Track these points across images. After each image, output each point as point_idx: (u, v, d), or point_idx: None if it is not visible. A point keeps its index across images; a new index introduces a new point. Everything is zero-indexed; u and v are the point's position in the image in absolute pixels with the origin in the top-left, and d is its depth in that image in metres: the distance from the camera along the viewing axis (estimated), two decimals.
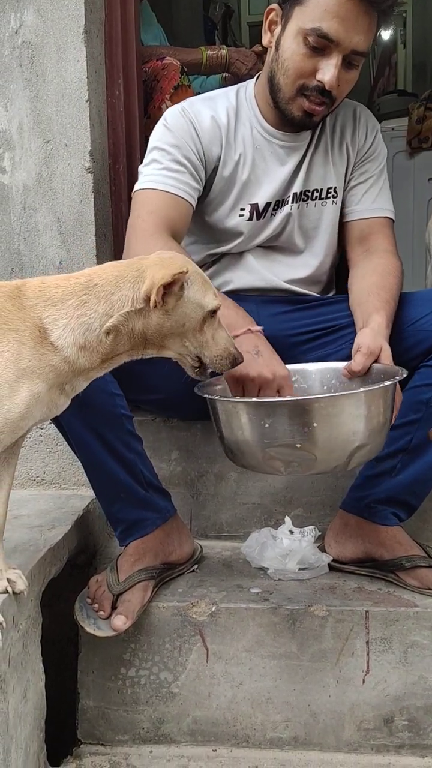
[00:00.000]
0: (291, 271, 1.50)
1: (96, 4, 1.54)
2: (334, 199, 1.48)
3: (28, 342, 0.96)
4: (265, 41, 1.37)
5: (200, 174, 1.40)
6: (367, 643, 1.25)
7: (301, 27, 1.27)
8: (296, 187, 1.45)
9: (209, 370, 1.08)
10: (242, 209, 1.44)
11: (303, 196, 1.46)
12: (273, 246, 1.49)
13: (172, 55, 1.98)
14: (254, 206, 1.44)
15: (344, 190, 1.50)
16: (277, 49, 1.33)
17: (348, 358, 1.26)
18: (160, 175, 1.36)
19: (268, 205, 1.44)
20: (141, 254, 1.07)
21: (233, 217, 1.44)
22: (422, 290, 1.57)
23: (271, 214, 1.45)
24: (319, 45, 1.27)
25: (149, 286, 0.97)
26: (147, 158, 1.40)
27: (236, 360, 1.06)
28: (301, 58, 1.29)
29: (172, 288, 0.97)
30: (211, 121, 1.40)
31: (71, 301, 0.97)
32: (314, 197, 1.47)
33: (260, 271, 1.49)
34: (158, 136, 1.40)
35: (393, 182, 2.92)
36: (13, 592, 1.08)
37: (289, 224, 1.47)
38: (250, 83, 1.48)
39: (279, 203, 1.45)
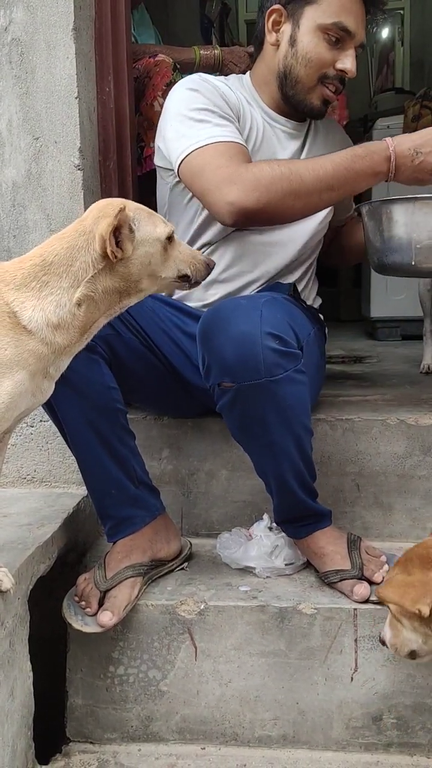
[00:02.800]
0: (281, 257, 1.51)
1: (86, 1, 1.53)
2: None
3: (1, 330, 0.94)
4: (271, 40, 1.47)
5: (239, 128, 1.43)
6: (356, 640, 1.25)
7: (320, 23, 1.41)
8: None
9: (192, 280, 1.09)
10: None
11: None
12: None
13: (165, 53, 1.98)
14: None
15: None
16: (292, 45, 1.44)
17: None
18: (216, 130, 1.37)
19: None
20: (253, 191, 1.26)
21: None
22: None
23: None
24: (339, 37, 1.41)
25: (100, 241, 0.95)
26: (185, 123, 1.38)
27: (209, 265, 1.09)
28: (323, 50, 1.43)
29: (121, 233, 0.96)
30: (228, 90, 1.45)
31: (33, 284, 0.96)
32: None
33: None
34: (188, 100, 1.40)
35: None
36: (1, 591, 1.08)
37: None
38: (245, 76, 1.56)
39: None
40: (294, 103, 1.50)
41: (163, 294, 1.52)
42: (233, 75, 1.59)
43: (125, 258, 0.98)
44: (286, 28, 1.45)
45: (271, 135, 1.51)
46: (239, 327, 1.18)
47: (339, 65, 1.43)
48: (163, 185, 1.52)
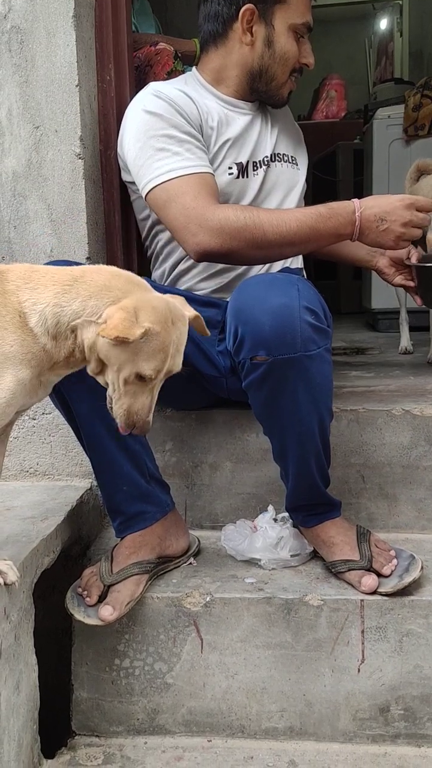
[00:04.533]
0: None
1: None
2: (298, 168, 1.61)
3: (9, 326, 0.94)
4: (246, 40, 1.49)
5: (202, 142, 1.45)
6: (362, 632, 1.25)
7: (291, 23, 1.47)
8: (268, 150, 1.55)
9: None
10: (230, 168, 1.49)
11: (275, 158, 1.55)
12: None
13: (166, 42, 1.96)
14: (239, 165, 1.50)
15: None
16: (269, 46, 1.49)
17: None
18: (177, 161, 1.37)
19: (248, 163, 1.51)
20: (212, 238, 1.31)
21: (223, 175, 1.48)
22: None
23: (253, 173, 1.52)
24: (302, 34, 1.50)
25: (106, 315, 0.94)
26: (145, 152, 1.39)
27: (140, 428, 1.01)
28: (295, 48, 1.50)
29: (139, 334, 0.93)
30: (183, 96, 1.45)
31: (54, 288, 0.96)
32: (285, 160, 1.57)
33: None
34: (147, 125, 1.40)
35: (390, 170, 2.93)
36: (4, 584, 1.07)
37: (267, 184, 1.53)
38: (190, 73, 1.58)
39: (257, 163, 1.53)
40: (264, 97, 1.55)
41: (165, 285, 1.52)
42: (177, 78, 1.63)
43: (108, 342, 0.94)
44: (260, 29, 1.48)
45: (233, 120, 1.52)
46: (278, 299, 1.17)
47: (303, 60, 1.52)
48: (137, 197, 1.51)
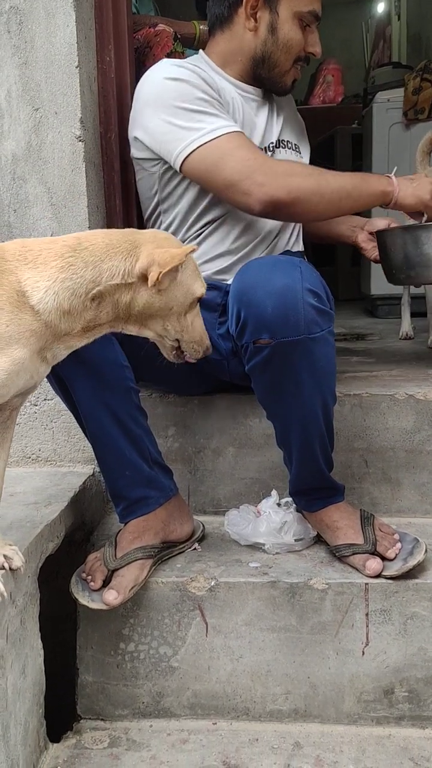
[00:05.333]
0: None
1: None
2: (301, 156, 1.62)
3: (5, 306, 0.92)
4: (249, 26, 1.48)
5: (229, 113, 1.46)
6: (367, 615, 1.25)
7: (297, 11, 1.46)
8: (274, 136, 1.55)
9: (185, 356, 1.09)
10: None
11: (280, 144, 1.55)
12: None
13: (166, 24, 1.93)
14: None
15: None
16: (272, 33, 1.48)
17: None
18: (218, 120, 1.38)
19: (260, 149, 1.49)
20: (271, 181, 1.31)
21: None
22: None
23: None
24: (309, 22, 1.49)
25: (147, 263, 0.95)
26: (179, 117, 1.37)
27: (208, 349, 1.10)
28: (300, 36, 1.49)
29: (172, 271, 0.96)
30: (199, 69, 1.45)
31: (55, 263, 0.94)
32: (289, 147, 1.57)
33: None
34: (175, 91, 1.38)
35: (390, 154, 2.91)
36: (10, 569, 1.07)
37: None
38: (200, 55, 1.57)
39: (264, 149, 1.52)
40: (267, 84, 1.55)
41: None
42: (185, 59, 1.61)
43: (156, 290, 0.98)
44: (264, 15, 1.47)
45: (245, 105, 1.53)
46: (281, 281, 1.17)
47: (309, 49, 1.51)
48: (148, 175, 1.49)
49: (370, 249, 1.68)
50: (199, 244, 1.48)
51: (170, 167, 1.42)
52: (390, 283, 1.71)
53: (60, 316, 0.96)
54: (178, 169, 1.41)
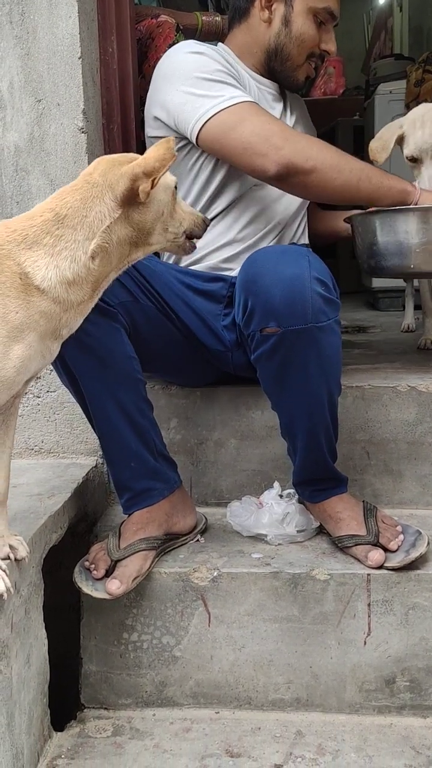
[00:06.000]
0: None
1: None
2: None
3: (11, 292, 0.92)
4: (263, 17, 1.50)
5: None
6: (369, 605, 1.26)
7: (312, 6, 1.48)
8: None
9: (195, 241, 1.12)
10: None
11: None
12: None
13: (168, 15, 1.93)
14: None
15: None
16: (286, 25, 1.49)
17: None
18: (237, 91, 1.39)
19: None
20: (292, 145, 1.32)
21: None
22: None
23: None
24: (324, 20, 1.50)
25: (129, 182, 0.95)
26: (201, 85, 1.37)
27: (205, 221, 1.11)
28: (314, 32, 1.50)
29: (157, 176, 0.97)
30: (221, 52, 1.47)
31: (47, 240, 0.94)
32: None
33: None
34: (197, 63, 1.40)
35: None
36: (15, 559, 1.07)
37: None
38: (220, 45, 1.57)
39: None
40: (280, 78, 1.56)
41: (172, 255, 1.51)
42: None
43: (142, 204, 0.98)
44: (279, 7, 1.49)
45: (261, 97, 1.53)
46: (289, 270, 1.17)
47: (323, 46, 1.52)
48: None
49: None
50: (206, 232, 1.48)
51: (181, 148, 1.43)
52: (366, 273, 1.65)
53: (66, 289, 0.95)
54: (194, 140, 1.40)
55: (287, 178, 1.36)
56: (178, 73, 1.40)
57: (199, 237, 1.11)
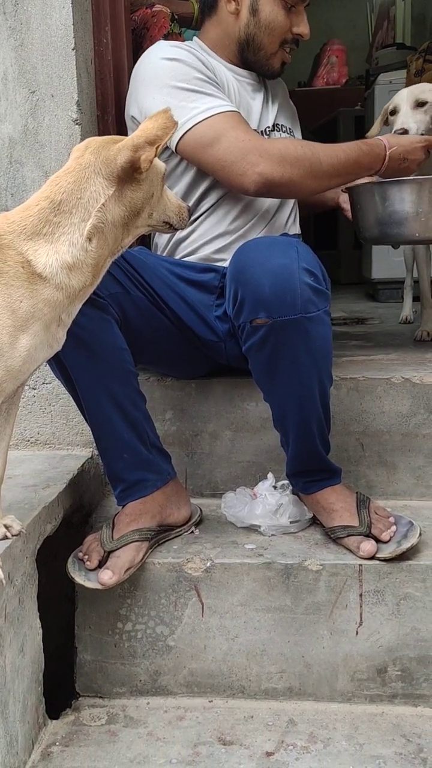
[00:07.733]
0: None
1: None
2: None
3: (15, 282, 0.93)
4: (230, 9, 1.49)
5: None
6: (361, 595, 1.27)
7: None
8: (270, 120, 1.56)
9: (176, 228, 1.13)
10: None
11: (276, 128, 1.55)
12: None
13: (163, 4, 1.92)
14: None
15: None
16: (254, 14, 1.48)
17: None
18: (213, 100, 1.38)
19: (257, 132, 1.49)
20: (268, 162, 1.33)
21: None
22: None
23: None
24: (293, 3, 1.47)
25: (131, 153, 0.96)
26: (176, 95, 1.37)
27: (188, 210, 1.12)
28: (283, 17, 1.48)
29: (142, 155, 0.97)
30: (195, 51, 1.45)
31: (45, 228, 0.95)
32: (284, 131, 1.57)
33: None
34: (172, 71, 1.39)
35: None
36: (12, 535, 1.09)
37: None
38: (194, 40, 1.59)
39: (262, 132, 1.52)
40: (256, 67, 1.55)
41: (166, 251, 1.51)
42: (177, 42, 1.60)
43: (136, 181, 0.99)
44: None
45: (241, 89, 1.52)
46: (278, 260, 1.18)
47: (296, 30, 1.50)
48: None
49: (350, 209, 1.68)
50: (197, 225, 1.48)
51: (167, 148, 1.42)
52: (362, 241, 1.72)
53: (67, 274, 0.96)
54: (173, 149, 1.41)
55: (267, 192, 1.41)
56: (155, 81, 1.40)
57: (181, 229, 1.13)
